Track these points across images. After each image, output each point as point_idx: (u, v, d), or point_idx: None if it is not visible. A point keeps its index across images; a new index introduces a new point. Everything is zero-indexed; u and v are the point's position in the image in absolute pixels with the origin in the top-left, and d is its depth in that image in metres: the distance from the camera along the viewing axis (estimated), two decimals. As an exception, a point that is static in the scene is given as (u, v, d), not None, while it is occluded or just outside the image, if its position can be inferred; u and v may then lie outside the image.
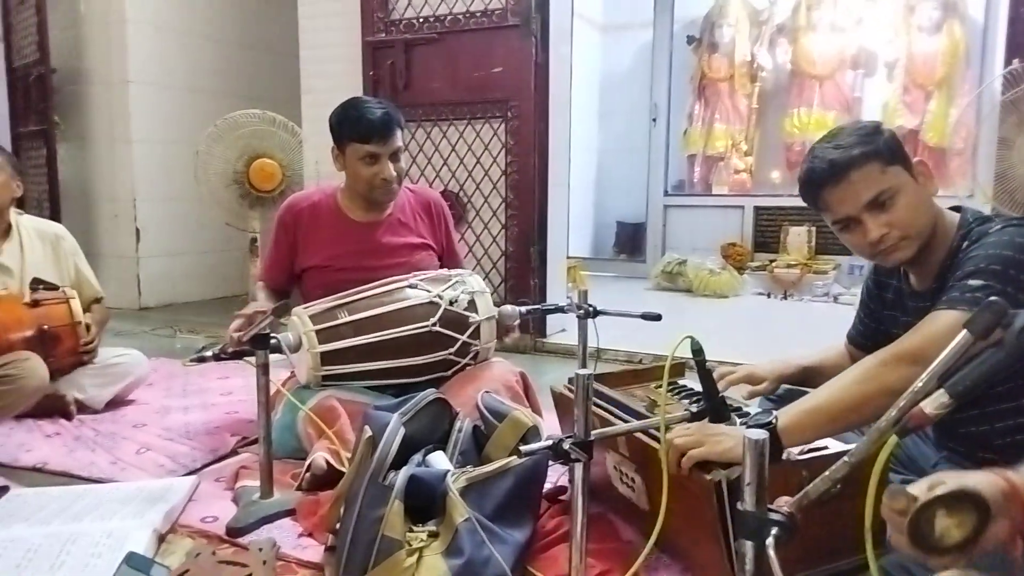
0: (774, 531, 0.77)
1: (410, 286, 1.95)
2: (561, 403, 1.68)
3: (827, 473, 0.78)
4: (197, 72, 4.79)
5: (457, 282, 1.98)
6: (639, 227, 6.53)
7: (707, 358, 1.25)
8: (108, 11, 4.39)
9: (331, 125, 2.07)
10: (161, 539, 1.49)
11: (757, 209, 5.87)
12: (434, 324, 1.89)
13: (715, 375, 1.47)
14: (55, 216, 4.23)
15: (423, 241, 2.20)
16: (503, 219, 3.44)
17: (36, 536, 1.44)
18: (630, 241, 6.68)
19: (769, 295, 5.23)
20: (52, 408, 2.30)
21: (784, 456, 1.17)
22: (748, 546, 0.79)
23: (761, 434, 0.78)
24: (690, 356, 1.24)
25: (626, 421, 1.37)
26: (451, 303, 1.92)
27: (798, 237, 5.57)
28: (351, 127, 2.01)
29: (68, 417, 2.32)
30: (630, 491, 1.41)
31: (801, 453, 1.21)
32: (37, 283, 2.33)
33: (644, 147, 6.34)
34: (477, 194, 3.49)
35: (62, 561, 1.33)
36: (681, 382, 1.68)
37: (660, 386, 1.39)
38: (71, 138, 4.58)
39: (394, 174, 2.03)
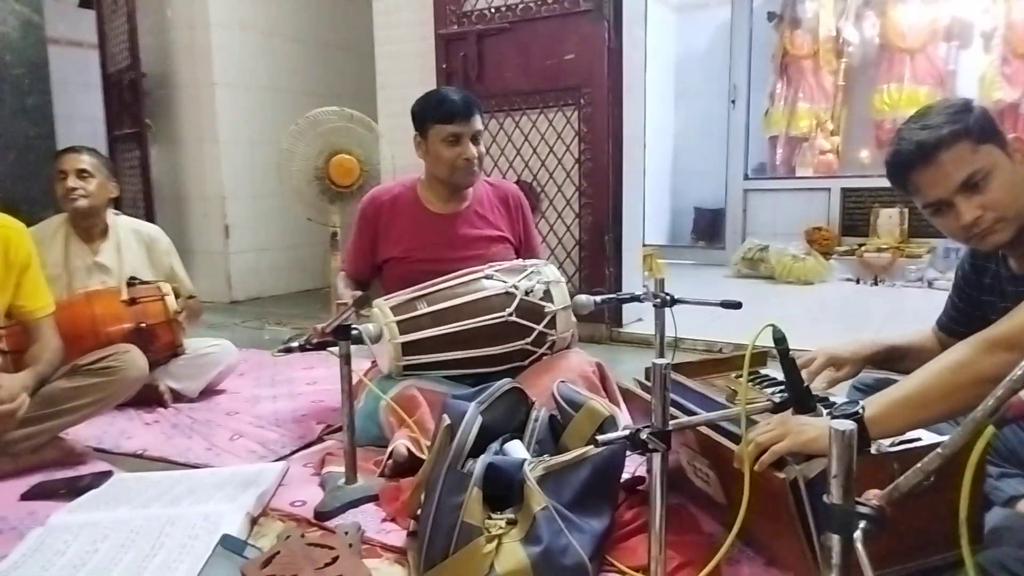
0: (862, 525, 0.75)
1: (486, 277, 1.96)
2: (628, 398, 1.66)
3: (919, 465, 0.74)
4: (278, 72, 4.95)
5: (532, 272, 1.98)
6: (718, 213, 6.38)
7: (791, 347, 1.21)
8: (193, 16, 4.58)
9: (413, 113, 2.13)
10: (253, 522, 1.55)
11: (845, 191, 5.64)
12: (510, 314, 1.90)
13: (805, 364, 1.42)
14: (149, 215, 4.46)
15: (500, 234, 2.22)
16: (576, 208, 3.42)
17: (138, 518, 1.52)
18: (709, 227, 6.54)
19: (858, 281, 5.03)
20: (150, 397, 2.43)
21: (874, 448, 1.13)
22: (835, 540, 0.77)
23: (848, 425, 0.75)
24: (772, 345, 1.21)
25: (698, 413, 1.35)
26: (527, 293, 1.93)
27: (889, 219, 5.32)
28: (434, 110, 2.07)
29: (164, 405, 2.45)
30: (705, 485, 1.38)
31: (892, 444, 1.16)
32: (133, 280, 2.46)
33: (723, 130, 6.18)
34: (550, 183, 3.48)
35: (162, 542, 1.41)
36: (763, 371, 1.64)
37: (740, 375, 1.36)
38: (162, 140, 4.81)
39: (475, 154, 2.07)
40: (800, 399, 1.23)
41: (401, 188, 2.22)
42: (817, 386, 1.42)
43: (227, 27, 4.61)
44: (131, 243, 2.59)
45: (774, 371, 1.53)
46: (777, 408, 1.22)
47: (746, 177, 6.11)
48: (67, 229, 2.51)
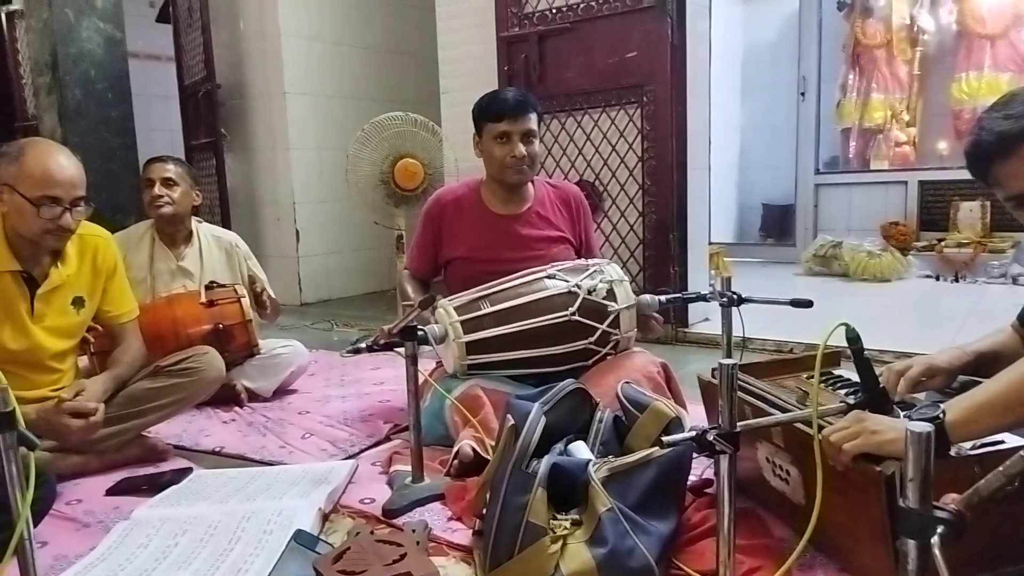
0: (940, 530, 0.72)
1: (549, 276, 1.96)
2: (708, 392, 1.63)
3: (1001, 469, 0.71)
4: (345, 80, 5.06)
5: (595, 271, 1.97)
6: (788, 209, 6.20)
7: (867, 347, 1.17)
8: (265, 28, 4.73)
9: (472, 113, 2.16)
10: (325, 518, 1.59)
11: (922, 184, 5.40)
12: (573, 313, 1.89)
13: (887, 372, 1.36)
14: (225, 221, 4.63)
15: (561, 234, 2.22)
16: (640, 207, 3.38)
17: (216, 513, 1.58)
18: (778, 224, 6.37)
19: (938, 278, 4.82)
20: (226, 397, 2.52)
21: (954, 450, 1.08)
22: (911, 545, 0.74)
23: (925, 427, 0.72)
24: (845, 345, 1.17)
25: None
26: (590, 292, 1.92)
27: (970, 213, 5.08)
28: (486, 108, 2.11)
29: (240, 404, 2.54)
30: (784, 484, 1.35)
31: (973, 447, 1.11)
32: (211, 284, 2.57)
33: (792, 123, 6.01)
34: (613, 182, 3.45)
35: (238, 537, 1.46)
36: (837, 372, 1.59)
37: (812, 376, 1.32)
38: (236, 148, 4.98)
39: (524, 152, 2.07)
40: (876, 401, 1.19)
41: (464, 189, 2.25)
42: (900, 391, 1.37)
43: (296, 37, 4.74)
44: (212, 249, 2.71)
45: (848, 372, 1.49)
46: (850, 410, 1.18)
47: (817, 171, 5.92)
48: (152, 234, 2.63)
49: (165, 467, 1.98)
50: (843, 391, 1.43)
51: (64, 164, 1.74)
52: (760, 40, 6.45)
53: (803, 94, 5.93)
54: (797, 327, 3.10)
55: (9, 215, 1.74)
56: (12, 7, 6.11)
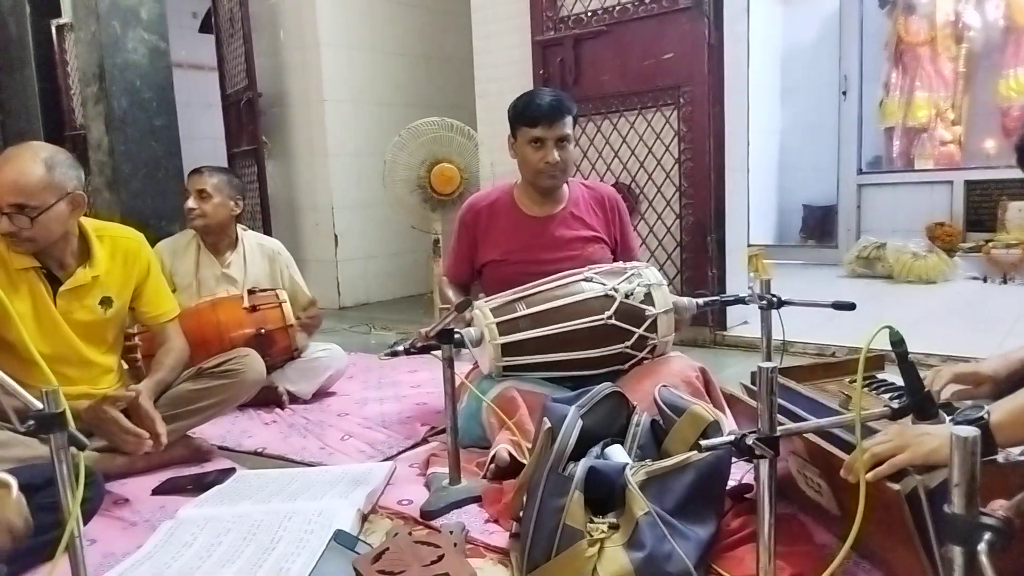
0: (987, 537, 0.70)
1: (585, 279, 1.96)
2: (733, 403, 1.61)
3: (1054, 476, 0.69)
4: (382, 86, 5.12)
5: (633, 275, 1.96)
6: (829, 210, 6.09)
7: (911, 350, 1.15)
8: (304, 36, 4.81)
9: (508, 114, 2.17)
10: (364, 519, 1.61)
11: (969, 184, 5.26)
12: (609, 317, 1.88)
13: (933, 377, 1.33)
14: (266, 226, 4.72)
15: (596, 234, 2.21)
16: (677, 209, 3.36)
17: (259, 512, 1.61)
18: (819, 225, 6.26)
19: (985, 279, 4.68)
20: (268, 399, 2.56)
21: (1001, 456, 1.05)
22: (957, 552, 0.72)
23: (970, 431, 0.70)
24: (889, 348, 1.15)
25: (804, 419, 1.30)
26: (627, 296, 1.91)
27: (1019, 213, 4.93)
28: (521, 112, 2.11)
29: (281, 407, 2.58)
30: (817, 495, 1.32)
31: (1023, 452, 1.08)
32: (253, 289, 2.62)
33: (833, 123, 5.90)
34: (649, 184, 3.43)
35: (280, 536, 1.49)
36: (880, 376, 1.56)
37: (855, 380, 1.29)
38: (277, 155, 5.07)
39: (557, 159, 2.07)
40: (920, 405, 1.16)
41: (498, 193, 2.27)
42: (944, 396, 1.33)
43: (335, 46, 4.81)
44: (255, 256, 2.76)
45: (892, 376, 1.46)
46: (895, 414, 1.16)
47: (860, 171, 5.81)
48: (197, 242, 2.70)
49: (209, 467, 2.02)
50: (887, 395, 1.40)
51: (4, 172, 1.74)
52: (800, 39, 6.35)
53: (844, 93, 5.82)
54: (839, 330, 3.05)
55: None
56: (62, 20, 6.32)
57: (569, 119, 2.09)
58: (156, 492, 1.86)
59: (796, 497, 1.44)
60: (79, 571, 1.10)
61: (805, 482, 1.35)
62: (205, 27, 6.04)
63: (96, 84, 4.70)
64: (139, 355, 2.27)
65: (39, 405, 1.03)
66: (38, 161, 1.77)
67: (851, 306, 1.74)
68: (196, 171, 2.70)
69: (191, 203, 2.62)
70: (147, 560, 1.44)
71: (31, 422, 1.03)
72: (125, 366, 2.18)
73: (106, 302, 1.94)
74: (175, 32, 5.26)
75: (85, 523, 1.48)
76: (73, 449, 1.06)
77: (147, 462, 1.96)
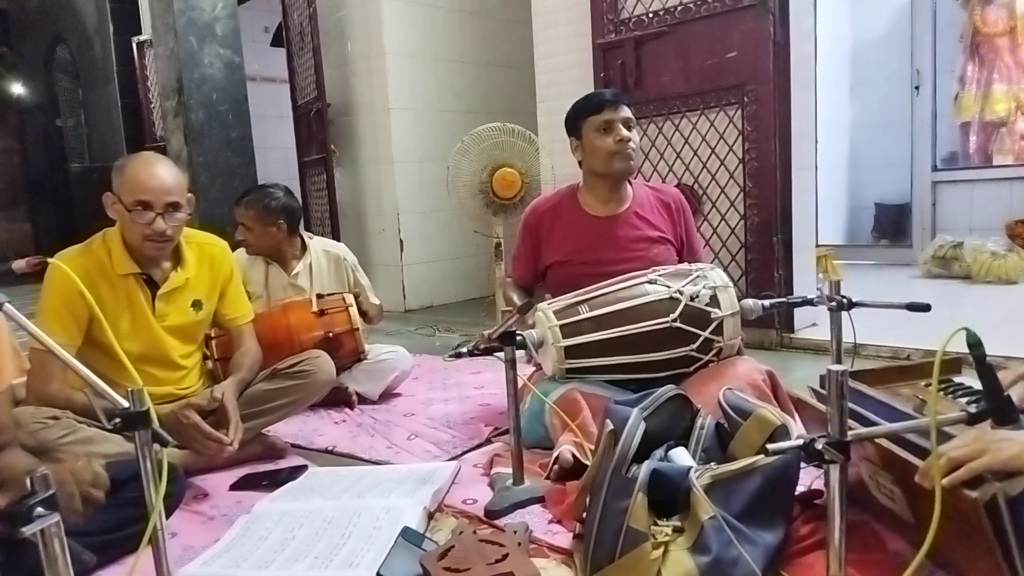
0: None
1: (649, 282, 1.95)
2: (800, 407, 1.58)
3: None
4: (445, 94, 5.19)
5: (698, 277, 1.95)
6: (903, 208, 5.87)
7: (989, 353, 1.10)
8: (370, 48, 4.93)
9: (567, 120, 2.21)
10: (430, 517, 1.65)
11: (1052, 179, 5.00)
12: (674, 320, 1.87)
13: (1010, 376, 1.28)
14: (335, 232, 4.85)
15: (661, 235, 2.20)
16: (742, 209, 3.30)
17: (329, 509, 1.66)
18: (892, 224, 6.03)
19: (1071, 278, 4.44)
20: (338, 399, 2.64)
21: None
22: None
23: (1053, 436, 0.68)
24: (966, 351, 1.11)
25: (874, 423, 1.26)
26: (692, 299, 1.89)
27: (1109, 209, 4.66)
28: (583, 106, 2.16)
29: (351, 407, 2.65)
30: (890, 501, 1.29)
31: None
32: (321, 293, 2.70)
33: (906, 119, 5.68)
34: (713, 185, 3.38)
35: (350, 532, 1.53)
36: (957, 380, 1.50)
37: (930, 384, 1.25)
38: (344, 163, 5.21)
39: (629, 135, 2.09)
40: (999, 410, 1.11)
41: (562, 195, 2.28)
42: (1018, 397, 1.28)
43: (399, 55, 4.91)
44: (321, 263, 2.85)
45: (969, 379, 1.40)
46: (972, 419, 1.12)
47: (935, 168, 5.58)
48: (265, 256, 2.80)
49: (283, 464, 2.10)
50: (964, 399, 1.35)
51: (157, 172, 1.85)
52: (870, 33, 6.14)
53: (917, 88, 5.60)
54: (914, 332, 2.94)
55: (120, 223, 1.90)
56: (142, 37, 6.64)
57: (628, 109, 2.14)
58: (234, 487, 1.94)
59: (868, 503, 1.40)
60: (161, 563, 1.15)
61: (877, 488, 1.31)
62: (277, 41, 6.25)
63: (175, 98, 4.91)
64: (215, 356, 2.36)
65: (125, 404, 1.08)
66: (173, 164, 1.91)
67: (926, 307, 1.68)
68: (236, 203, 2.79)
69: (239, 235, 2.75)
70: (225, 553, 1.50)
71: (118, 420, 1.08)
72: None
73: (197, 305, 2.04)
74: (248, 46, 5.47)
75: (167, 517, 1.55)
76: (156, 445, 1.11)
77: (226, 459, 2.03)
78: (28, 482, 0.90)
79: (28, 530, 0.89)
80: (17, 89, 10.08)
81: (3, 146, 10.24)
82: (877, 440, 1.19)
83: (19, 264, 1.19)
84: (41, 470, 0.93)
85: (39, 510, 0.90)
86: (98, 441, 1.77)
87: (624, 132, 2.10)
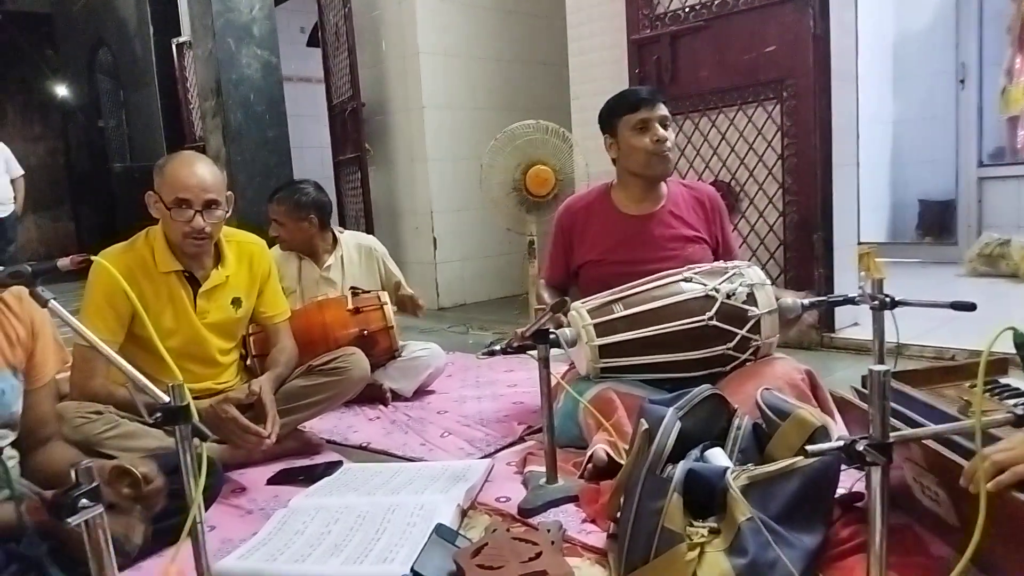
0: None
1: (685, 280, 1.93)
2: (844, 408, 1.54)
3: None
4: (479, 92, 5.20)
5: (735, 275, 1.92)
6: (948, 205, 5.73)
7: (1037, 353, 1.07)
8: (404, 46, 4.95)
9: (601, 116, 2.18)
10: (463, 514, 1.65)
11: (1105, 175, 4.83)
12: (711, 318, 1.85)
13: None
14: (369, 230, 4.88)
15: (696, 234, 2.18)
16: (780, 206, 3.25)
17: (364, 504, 1.67)
18: (937, 221, 5.89)
19: None
20: (372, 396, 2.66)
21: None
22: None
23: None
24: (1013, 351, 1.08)
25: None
26: (728, 296, 1.86)
27: None
28: (619, 103, 2.13)
29: (385, 403, 2.67)
30: (934, 504, 1.25)
31: None
32: (356, 290, 2.73)
33: (951, 113, 5.54)
34: (750, 182, 3.33)
35: (384, 528, 1.54)
36: (1004, 380, 1.46)
37: (975, 385, 1.22)
38: (379, 162, 5.25)
39: (666, 135, 2.07)
40: (1050, 412, 1.08)
41: (595, 193, 2.26)
42: None
43: (433, 54, 4.93)
44: (353, 255, 2.89)
45: (1016, 380, 1.36)
46: (1019, 421, 1.08)
47: (981, 164, 5.43)
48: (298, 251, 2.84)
49: (319, 460, 2.12)
50: (1010, 400, 1.31)
51: (196, 170, 1.88)
52: (913, 26, 6.00)
53: (962, 81, 5.46)
54: (959, 332, 2.87)
55: (161, 221, 1.94)
56: (181, 39, 6.77)
57: (665, 105, 2.11)
58: (270, 482, 1.97)
59: (911, 507, 1.37)
60: (201, 555, 1.17)
61: (922, 491, 1.28)
62: (312, 41, 6.32)
63: (213, 98, 5.00)
64: (253, 352, 2.40)
65: (166, 399, 1.10)
66: (212, 162, 1.95)
67: (971, 306, 1.63)
68: (268, 200, 2.84)
69: (272, 230, 2.78)
70: (262, 546, 1.52)
71: (158, 415, 1.10)
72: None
73: (236, 302, 2.08)
74: (284, 47, 5.54)
75: (206, 510, 1.58)
76: (196, 440, 1.13)
77: (263, 454, 2.07)
78: (72, 474, 0.92)
79: (73, 521, 0.91)
80: (61, 91, 10.38)
81: (48, 147, 10.55)
82: (923, 441, 1.16)
83: (64, 262, 1.22)
84: (85, 463, 0.95)
85: (84, 501, 0.92)
86: (139, 436, 1.81)
87: (661, 132, 2.07)
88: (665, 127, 2.09)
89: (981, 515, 0.96)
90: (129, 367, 1.15)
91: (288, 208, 2.76)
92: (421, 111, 4.92)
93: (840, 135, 3.20)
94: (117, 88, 9.09)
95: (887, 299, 1.70)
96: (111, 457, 1.48)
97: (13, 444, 1.40)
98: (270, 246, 2.37)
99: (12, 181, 6.39)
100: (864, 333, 3.01)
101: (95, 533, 0.95)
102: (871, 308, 1.73)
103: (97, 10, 8.90)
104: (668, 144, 2.08)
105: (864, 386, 1.43)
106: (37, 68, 10.22)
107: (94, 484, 0.93)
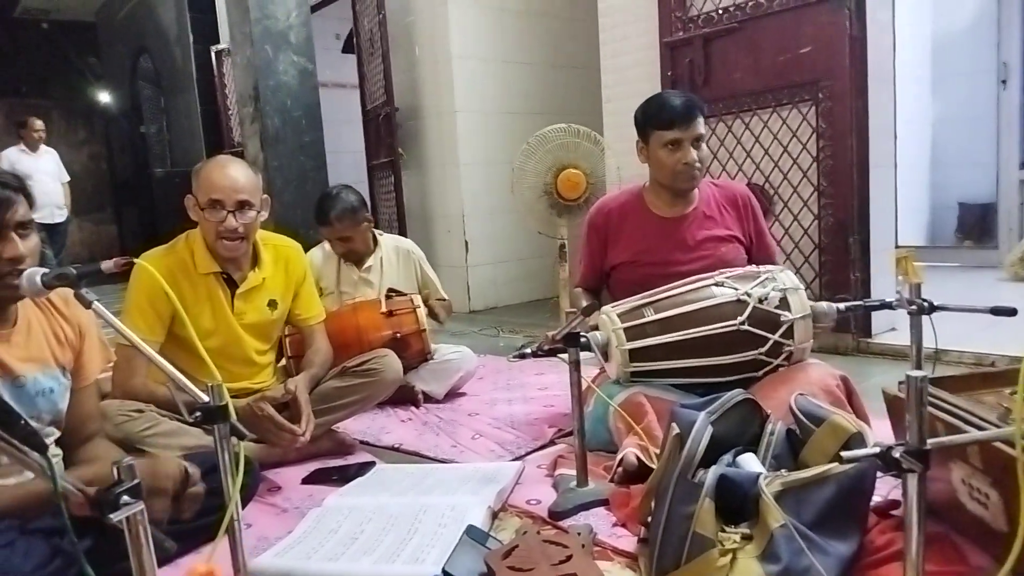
0: None
1: (716, 284, 1.91)
2: (894, 406, 1.51)
3: None
4: (511, 96, 5.22)
5: (767, 279, 1.90)
6: (988, 208, 5.59)
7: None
8: (437, 51, 5.00)
9: (635, 119, 2.15)
10: (494, 516, 1.66)
11: None
12: (742, 323, 1.83)
13: None
14: (402, 233, 4.92)
15: (730, 233, 2.16)
16: (815, 209, 3.20)
17: (396, 505, 1.69)
18: (977, 225, 5.76)
19: None
20: (404, 398, 2.69)
21: None
22: None
23: None
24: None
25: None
26: (761, 301, 1.85)
27: None
28: (653, 116, 2.08)
29: (417, 405, 2.70)
30: (983, 508, 1.23)
31: None
32: (391, 292, 2.76)
33: (992, 114, 5.41)
34: (784, 184, 3.30)
35: (416, 528, 1.55)
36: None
37: (1015, 392, 1.19)
38: (411, 166, 5.29)
39: (696, 157, 2.03)
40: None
41: (627, 196, 2.25)
42: None
43: (465, 59, 4.96)
44: (391, 258, 2.94)
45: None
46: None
47: (1022, 166, 5.30)
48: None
49: (352, 460, 2.15)
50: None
51: (229, 172, 1.92)
52: (953, 25, 5.88)
53: (1004, 82, 5.33)
54: (999, 338, 2.80)
55: (199, 224, 1.98)
56: (220, 46, 6.91)
57: (702, 119, 2.06)
58: (305, 481, 1.99)
59: (949, 516, 1.34)
60: (237, 552, 1.19)
61: (969, 494, 1.25)
62: (347, 48, 6.40)
63: (251, 104, 5.08)
64: (289, 353, 2.44)
65: (205, 399, 1.13)
66: (247, 165, 1.99)
67: (1012, 312, 1.59)
68: (321, 224, 2.83)
69: (337, 249, 2.84)
70: (297, 545, 1.54)
71: (198, 414, 1.12)
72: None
73: (272, 304, 2.12)
74: (320, 54, 5.62)
75: (243, 507, 1.61)
76: (234, 439, 1.16)
77: (298, 453, 2.10)
78: (114, 471, 0.95)
79: (115, 517, 0.94)
80: (104, 98, 10.67)
81: (91, 152, 10.84)
82: (980, 440, 1.13)
83: (107, 264, 1.26)
84: (127, 460, 0.97)
85: (125, 498, 0.95)
86: (179, 434, 1.85)
87: (692, 155, 2.03)
88: (698, 146, 2.05)
89: (1022, 524, 0.94)
90: (169, 366, 1.18)
91: (350, 220, 2.80)
92: (453, 115, 4.95)
93: (877, 136, 3.14)
94: (158, 95, 9.30)
95: (925, 304, 1.67)
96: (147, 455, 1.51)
97: (57, 441, 1.45)
98: (307, 251, 2.41)
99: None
100: (902, 338, 2.96)
101: (136, 529, 0.97)
102: (909, 313, 1.71)
103: (139, 19, 9.13)
104: (698, 165, 2.05)
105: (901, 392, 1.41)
106: (81, 75, 10.53)
107: (135, 481, 0.96)
